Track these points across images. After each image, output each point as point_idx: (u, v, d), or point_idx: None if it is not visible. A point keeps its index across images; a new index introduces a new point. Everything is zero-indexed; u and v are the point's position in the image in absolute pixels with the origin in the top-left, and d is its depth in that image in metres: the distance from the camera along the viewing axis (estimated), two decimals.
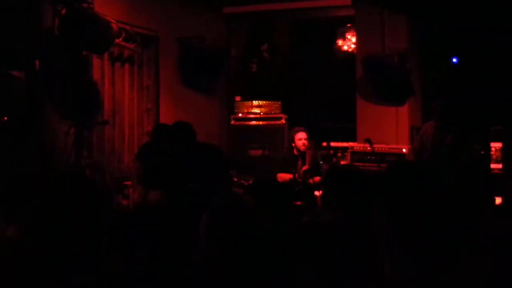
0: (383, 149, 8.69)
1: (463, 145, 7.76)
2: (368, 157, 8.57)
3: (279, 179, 8.28)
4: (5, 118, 6.66)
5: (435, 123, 8.10)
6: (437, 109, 8.10)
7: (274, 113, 9.97)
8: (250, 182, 8.10)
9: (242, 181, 8.10)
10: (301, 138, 8.53)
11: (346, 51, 11.30)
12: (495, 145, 8.51)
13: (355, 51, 10.32)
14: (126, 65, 9.35)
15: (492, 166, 8.24)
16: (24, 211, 3.12)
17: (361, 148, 8.75)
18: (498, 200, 7.40)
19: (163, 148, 7.54)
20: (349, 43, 11.25)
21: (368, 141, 8.32)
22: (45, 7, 7.49)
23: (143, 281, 2.91)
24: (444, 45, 9.29)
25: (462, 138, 7.78)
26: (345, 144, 9.41)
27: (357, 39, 10.01)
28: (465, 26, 6.94)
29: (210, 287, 2.83)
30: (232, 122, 10.03)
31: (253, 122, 9.95)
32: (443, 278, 3.03)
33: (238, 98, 10.29)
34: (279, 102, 10.08)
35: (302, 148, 8.51)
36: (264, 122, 9.98)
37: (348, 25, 11.11)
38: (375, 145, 8.42)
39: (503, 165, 7.74)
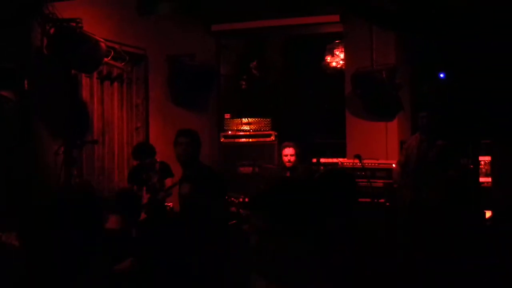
0: (372, 164, 8.70)
1: (447, 159, 7.78)
2: (358, 173, 8.57)
3: None
4: None
5: (420, 136, 8.13)
6: (421, 122, 8.14)
7: (264, 130, 9.98)
8: (241, 200, 8.11)
9: (232, 199, 8.09)
10: (287, 154, 8.54)
11: (335, 67, 11.34)
12: (484, 159, 8.55)
13: (343, 67, 10.35)
14: (115, 84, 9.36)
15: (482, 179, 8.28)
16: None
17: (351, 164, 8.75)
18: (488, 214, 7.44)
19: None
20: (337, 59, 11.29)
21: (357, 157, 8.33)
22: (34, 27, 7.50)
23: None
24: (434, 60, 9.34)
25: (446, 152, 7.80)
26: (334, 160, 9.42)
27: (346, 55, 10.04)
28: (454, 40, 6.98)
29: None
30: (222, 140, 10.04)
31: (243, 140, 9.95)
32: None
33: (227, 116, 10.30)
34: (268, 119, 10.09)
35: (288, 164, 8.52)
36: (254, 139, 9.98)
37: (337, 41, 11.15)
38: (365, 161, 8.43)
39: (492, 179, 7.78)
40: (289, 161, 8.51)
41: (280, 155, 8.84)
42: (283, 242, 2.60)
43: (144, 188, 8.14)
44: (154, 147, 8.47)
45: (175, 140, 7.68)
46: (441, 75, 9.48)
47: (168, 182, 8.29)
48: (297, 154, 8.55)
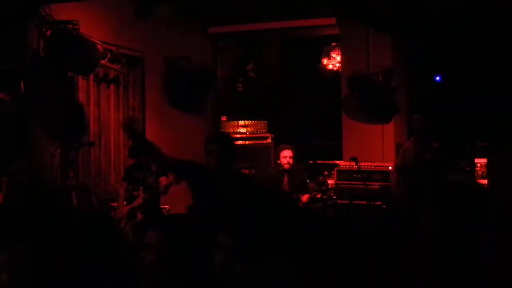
0: (369, 167, 8.70)
1: (443, 162, 7.78)
2: (354, 175, 8.58)
3: None
4: None
5: (415, 139, 8.14)
6: (414, 124, 8.14)
7: (260, 133, 9.98)
8: None
9: None
10: (286, 156, 8.53)
11: (332, 70, 11.35)
12: (481, 161, 8.56)
13: (340, 69, 10.36)
14: (112, 86, 9.36)
15: (478, 181, 8.28)
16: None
17: (347, 166, 8.76)
18: None
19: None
20: (334, 61, 11.30)
21: (354, 159, 8.34)
22: (31, 29, 7.49)
23: None
24: (430, 62, 9.35)
25: (441, 155, 7.80)
26: (331, 163, 9.42)
27: (342, 58, 10.05)
28: (451, 43, 6.99)
29: None
30: None
31: (240, 142, 9.94)
32: None
33: (224, 118, 10.29)
34: (265, 121, 10.08)
35: (286, 166, 8.51)
36: (250, 142, 9.97)
37: (333, 43, 11.16)
38: (361, 163, 8.44)
39: (488, 181, 7.78)
40: (288, 163, 8.50)
41: (276, 157, 8.83)
42: (250, 265, 2.26)
43: (141, 189, 8.13)
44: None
45: (205, 147, 7.77)
46: (437, 78, 9.49)
47: (163, 180, 8.26)
48: (294, 156, 8.56)
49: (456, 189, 3.37)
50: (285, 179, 8.56)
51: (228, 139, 6.03)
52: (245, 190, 3.11)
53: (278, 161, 8.64)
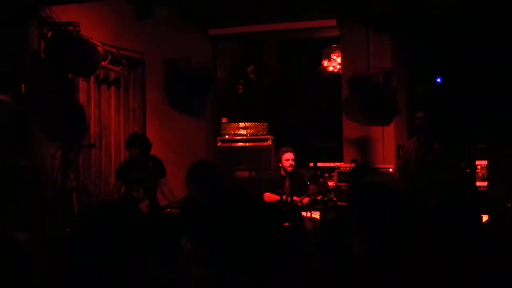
0: None
1: (445, 163, 7.77)
2: None
3: (266, 199, 8.28)
4: None
5: (417, 139, 8.12)
6: (418, 122, 8.12)
7: (260, 134, 9.97)
8: None
9: None
10: (288, 159, 8.50)
11: (332, 72, 11.35)
12: (481, 163, 8.55)
13: (340, 71, 10.36)
14: (112, 88, 9.37)
15: (478, 183, 8.28)
16: None
17: (348, 168, 8.75)
18: (484, 218, 7.44)
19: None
20: (334, 63, 11.30)
21: (354, 161, 8.34)
22: (31, 30, 7.50)
23: None
24: (430, 62, 9.34)
25: (442, 156, 7.79)
26: (331, 165, 9.41)
27: (343, 59, 10.05)
28: (451, 43, 6.99)
29: None
30: (219, 144, 10.02)
31: (240, 144, 9.94)
32: None
33: (224, 120, 10.29)
34: (265, 123, 10.08)
35: (289, 169, 8.48)
36: (250, 144, 9.96)
37: (333, 45, 11.16)
38: None
39: (488, 183, 7.79)
40: (291, 165, 8.48)
41: (277, 159, 8.81)
42: (209, 271, 2.19)
43: (141, 190, 8.10)
44: (148, 139, 8.36)
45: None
46: (438, 80, 9.48)
47: (162, 182, 8.19)
48: (296, 159, 8.55)
49: (371, 193, 2.76)
50: (287, 182, 8.56)
51: (209, 173, 5.33)
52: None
53: (280, 164, 8.62)
